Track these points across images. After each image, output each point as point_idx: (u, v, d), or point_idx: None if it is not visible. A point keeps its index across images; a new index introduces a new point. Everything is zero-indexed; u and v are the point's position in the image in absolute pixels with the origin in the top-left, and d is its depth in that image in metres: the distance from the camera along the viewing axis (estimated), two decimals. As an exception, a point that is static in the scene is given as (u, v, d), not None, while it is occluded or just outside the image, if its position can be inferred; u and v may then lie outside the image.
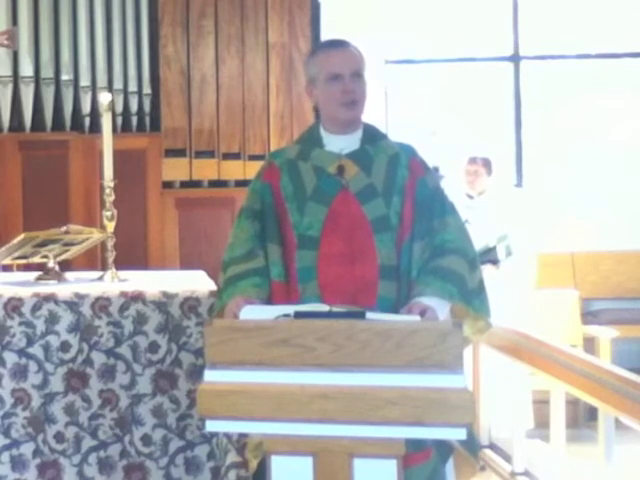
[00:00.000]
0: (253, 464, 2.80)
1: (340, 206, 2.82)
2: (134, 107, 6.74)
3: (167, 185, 6.74)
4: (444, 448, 2.76)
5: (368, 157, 2.86)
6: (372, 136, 2.91)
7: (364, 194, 2.82)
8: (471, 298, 2.79)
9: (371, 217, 2.80)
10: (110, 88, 6.57)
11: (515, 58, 7.46)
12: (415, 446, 2.52)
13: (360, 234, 2.79)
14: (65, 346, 3.41)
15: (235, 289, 2.80)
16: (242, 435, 3.22)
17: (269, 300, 2.81)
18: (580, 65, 7.53)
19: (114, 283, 3.72)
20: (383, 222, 2.80)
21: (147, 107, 6.77)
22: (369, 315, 2.41)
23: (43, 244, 3.81)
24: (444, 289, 2.72)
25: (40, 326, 3.41)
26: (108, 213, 3.88)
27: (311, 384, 2.30)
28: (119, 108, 6.66)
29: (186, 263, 6.27)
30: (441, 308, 2.71)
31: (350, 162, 2.85)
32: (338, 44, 2.87)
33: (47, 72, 6.63)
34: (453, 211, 2.89)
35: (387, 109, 6.85)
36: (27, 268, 4.13)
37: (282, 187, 2.88)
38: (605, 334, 5.75)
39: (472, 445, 2.82)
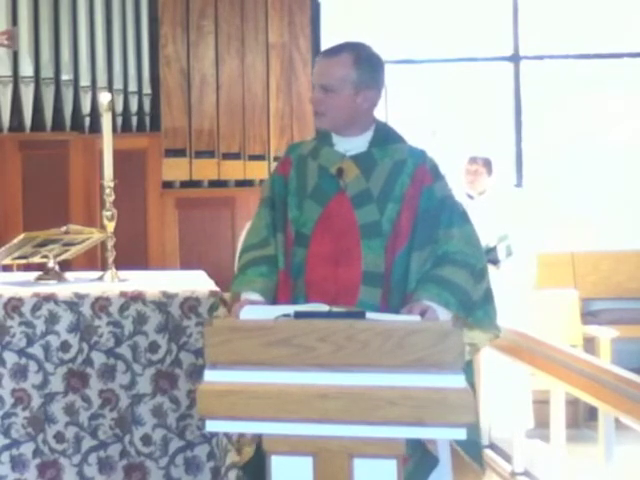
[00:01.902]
0: (248, 452, 2.77)
1: (335, 208, 2.82)
2: (134, 107, 6.75)
3: (167, 185, 6.74)
4: (427, 459, 2.67)
5: (372, 161, 2.85)
6: (383, 138, 2.89)
7: (359, 198, 2.81)
8: (473, 309, 2.76)
9: (361, 222, 2.79)
10: (110, 88, 6.57)
11: (515, 58, 7.46)
12: None
13: (348, 238, 2.78)
14: (65, 346, 3.41)
15: (244, 277, 2.83)
16: (242, 435, 3.22)
17: (276, 289, 2.82)
18: (580, 65, 7.54)
19: (114, 283, 3.72)
20: (373, 228, 2.79)
21: (147, 107, 6.77)
22: (369, 315, 2.41)
23: (43, 244, 3.81)
24: (441, 296, 2.69)
25: (40, 326, 3.41)
26: (108, 213, 3.88)
27: (311, 384, 2.30)
28: (119, 108, 6.66)
29: (186, 263, 6.27)
30: (441, 311, 2.70)
31: (352, 164, 2.84)
32: (327, 53, 2.86)
33: (47, 72, 6.63)
34: (462, 222, 2.83)
35: (387, 109, 6.86)
36: (27, 268, 4.13)
37: (289, 181, 2.90)
38: (605, 334, 5.74)
39: (475, 449, 2.79)
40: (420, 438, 2.49)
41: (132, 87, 6.75)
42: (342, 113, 2.84)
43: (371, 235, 2.78)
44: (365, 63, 2.83)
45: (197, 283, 3.67)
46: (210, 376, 2.35)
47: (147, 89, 6.78)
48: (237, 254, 4.80)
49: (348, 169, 2.84)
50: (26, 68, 6.61)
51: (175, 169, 6.74)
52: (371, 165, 2.84)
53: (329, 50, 2.87)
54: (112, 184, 3.88)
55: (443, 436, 2.48)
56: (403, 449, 2.33)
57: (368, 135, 2.88)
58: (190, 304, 3.45)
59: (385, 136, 2.90)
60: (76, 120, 6.67)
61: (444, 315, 2.69)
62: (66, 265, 4.05)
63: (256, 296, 2.78)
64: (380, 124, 2.93)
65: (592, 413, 5.52)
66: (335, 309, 2.51)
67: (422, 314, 2.62)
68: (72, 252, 3.98)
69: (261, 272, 2.82)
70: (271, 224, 2.90)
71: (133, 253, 6.04)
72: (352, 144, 2.86)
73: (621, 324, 6.32)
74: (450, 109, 7.45)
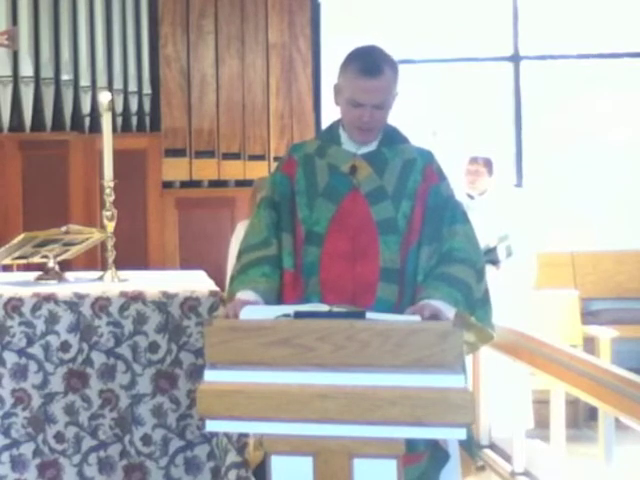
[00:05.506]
0: (257, 456, 2.77)
1: (349, 206, 2.82)
2: (134, 107, 6.75)
3: (167, 185, 6.74)
4: (439, 455, 2.74)
5: (383, 159, 2.87)
6: (391, 138, 2.91)
7: (373, 196, 2.83)
8: (476, 307, 2.79)
9: (378, 219, 2.81)
10: (110, 88, 6.58)
11: (515, 58, 7.46)
12: (407, 448, 2.50)
13: (365, 235, 2.80)
14: (65, 346, 3.41)
15: (245, 277, 2.82)
16: (242, 435, 3.22)
17: (280, 290, 2.82)
18: (580, 65, 7.54)
19: (114, 283, 3.71)
20: (389, 225, 2.81)
21: (147, 107, 6.78)
22: (369, 315, 2.41)
23: (43, 244, 3.80)
24: (451, 295, 2.72)
25: (40, 326, 3.41)
26: (108, 213, 3.88)
27: (311, 384, 2.30)
28: (119, 108, 6.67)
29: (186, 263, 6.28)
30: (449, 311, 2.71)
31: (364, 163, 2.86)
32: (372, 71, 2.80)
33: (47, 72, 6.64)
34: (464, 220, 2.87)
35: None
36: (27, 268, 4.13)
37: (296, 181, 2.90)
38: (605, 334, 5.74)
39: (469, 445, 2.82)
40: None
41: (132, 87, 6.75)
42: (384, 123, 2.88)
43: (388, 231, 2.80)
44: (397, 72, 2.88)
45: (197, 283, 3.67)
46: (210, 376, 2.35)
47: (147, 89, 6.78)
48: (230, 254, 4.81)
49: (360, 167, 2.85)
50: (26, 68, 6.61)
51: (175, 169, 6.75)
52: (383, 163, 2.86)
53: (372, 69, 2.80)
54: (112, 184, 3.87)
55: (443, 436, 2.49)
56: (403, 449, 2.33)
57: (378, 136, 2.89)
58: (190, 304, 3.45)
59: (393, 136, 2.93)
60: (76, 120, 6.68)
61: (451, 315, 2.70)
62: (66, 265, 4.05)
63: (250, 295, 2.76)
64: (388, 124, 2.95)
65: (592, 413, 5.53)
66: (335, 309, 2.51)
67: (433, 317, 2.60)
68: (72, 252, 3.98)
69: (263, 272, 2.82)
70: (272, 224, 2.89)
71: (133, 253, 6.05)
72: (362, 143, 2.88)
73: (621, 324, 6.33)
74: (450, 109, 7.45)
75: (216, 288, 3.54)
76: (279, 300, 2.81)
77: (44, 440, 3.41)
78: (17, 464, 3.41)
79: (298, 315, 2.40)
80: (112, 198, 3.88)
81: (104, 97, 3.95)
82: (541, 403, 5.08)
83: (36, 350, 3.41)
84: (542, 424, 4.78)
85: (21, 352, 3.41)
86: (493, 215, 5.49)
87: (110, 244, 3.87)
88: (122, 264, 3.90)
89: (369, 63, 2.82)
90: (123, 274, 3.83)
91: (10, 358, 3.41)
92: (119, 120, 6.67)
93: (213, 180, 6.82)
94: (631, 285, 7.15)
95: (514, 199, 5.89)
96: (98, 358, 3.43)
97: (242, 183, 6.73)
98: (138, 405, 3.44)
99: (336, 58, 2.96)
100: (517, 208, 5.72)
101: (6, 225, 6.31)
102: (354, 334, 2.30)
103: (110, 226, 3.89)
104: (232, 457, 3.30)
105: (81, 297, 3.43)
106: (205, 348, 2.38)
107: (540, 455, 4.40)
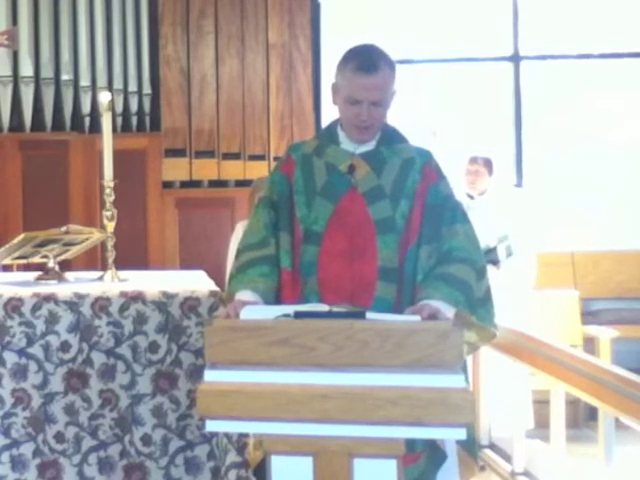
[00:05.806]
0: (257, 455, 2.77)
1: (347, 205, 2.83)
2: (134, 107, 6.75)
3: (167, 185, 6.74)
4: (436, 454, 2.74)
5: (381, 158, 2.87)
6: (389, 138, 2.91)
7: (371, 195, 2.83)
8: (476, 307, 2.78)
9: (376, 218, 2.81)
10: (110, 88, 6.58)
11: (515, 58, 7.47)
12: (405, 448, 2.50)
13: (363, 234, 2.80)
14: (65, 346, 3.41)
15: (244, 277, 2.82)
16: (242, 435, 3.22)
17: (278, 289, 2.82)
18: (580, 65, 7.54)
19: (114, 283, 3.72)
20: (387, 224, 2.81)
21: (147, 107, 6.78)
22: (369, 315, 2.41)
23: (43, 244, 3.80)
24: (451, 295, 2.71)
25: (40, 326, 3.41)
26: (108, 213, 3.88)
27: (311, 384, 2.30)
28: (119, 108, 6.67)
29: (186, 263, 6.28)
30: (449, 312, 2.70)
31: (362, 162, 2.86)
32: (369, 68, 2.80)
33: (47, 72, 6.64)
34: (464, 219, 2.87)
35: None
36: (27, 268, 4.13)
37: (294, 180, 2.91)
38: (605, 334, 5.74)
39: (471, 446, 2.82)
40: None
41: (132, 87, 6.75)
42: (382, 121, 2.88)
43: (386, 230, 2.80)
44: (394, 70, 2.88)
45: (197, 283, 3.67)
46: (210, 376, 2.35)
47: (147, 89, 6.79)
48: (229, 254, 4.82)
49: (359, 166, 2.85)
50: (26, 68, 6.61)
51: (175, 169, 6.75)
52: (381, 163, 2.86)
53: (369, 67, 2.80)
54: (112, 184, 3.87)
55: (443, 436, 2.49)
56: (403, 449, 2.33)
57: (377, 134, 2.90)
58: (190, 304, 3.45)
59: (391, 136, 2.93)
60: (76, 120, 6.68)
61: (450, 315, 2.70)
62: (66, 265, 4.05)
63: (249, 295, 2.76)
64: (386, 124, 2.95)
65: (592, 413, 5.53)
66: (335, 309, 2.51)
67: (432, 317, 2.60)
68: (72, 252, 3.98)
69: (262, 272, 2.82)
70: (270, 224, 2.89)
71: (133, 253, 6.05)
72: (360, 142, 2.88)
73: (621, 324, 6.33)
74: (450, 109, 7.45)
75: (216, 288, 3.54)
76: (277, 300, 2.81)
77: (44, 440, 3.41)
78: (17, 464, 3.41)
79: (298, 315, 2.41)
80: (112, 198, 3.88)
81: (104, 97, 3.96)
82: (541, 403, 5.08)
83: (36, 350, 3.41)
84: (542, 424, 4.78)
85: (21, 352, 3.41)
86: (493, 215, 5.49)
87: (110, 244, 3.88)
88: (122, 264, 3.90)
89: (366, 60, 2.82)
90: (123, 274, 3.84)
91: (10, 358, 3.41)
92: (119, 120, 6.67)
93: (213, 180, 6.82)
94: (631, 285, 7.15)
95: (514, 199, 5.89)
96: (98, 358, 3.43)
97: (242, 183, 6.73)
98: (138, 405, 3.44)
99: (336, 58, 2.95)
100: (517, 208, 5.72)
101: (6, 225, 6.32)
102: (354, 334, 2.30)
103: (110, 226, 3.89)
104: (232, 457, 3.30)
105: (81, 297, 3.43)
106: (205, 348, 2.38)
107: (540, 455, 4.40)
